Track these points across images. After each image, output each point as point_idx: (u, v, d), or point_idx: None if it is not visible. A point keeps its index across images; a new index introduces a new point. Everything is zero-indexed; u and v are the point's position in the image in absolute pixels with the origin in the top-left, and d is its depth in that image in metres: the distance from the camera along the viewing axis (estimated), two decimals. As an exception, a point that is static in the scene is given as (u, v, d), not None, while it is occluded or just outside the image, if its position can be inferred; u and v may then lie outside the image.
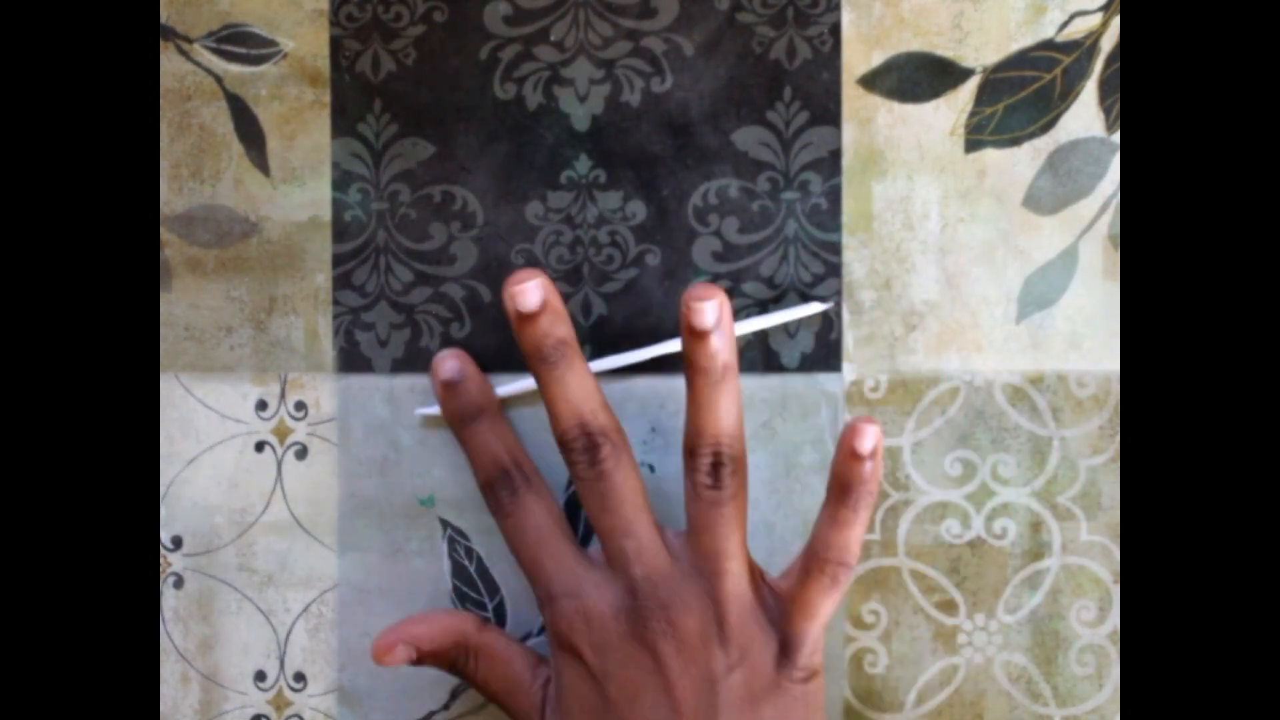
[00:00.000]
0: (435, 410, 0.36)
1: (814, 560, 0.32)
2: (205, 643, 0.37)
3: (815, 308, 0.36)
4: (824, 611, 0.32)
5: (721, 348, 0.32)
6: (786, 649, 0.32)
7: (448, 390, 0.35)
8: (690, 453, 0.32)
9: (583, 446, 0.32)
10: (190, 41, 0.36)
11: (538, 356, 0.32)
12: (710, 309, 0.31)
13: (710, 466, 0.32)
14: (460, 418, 0.35)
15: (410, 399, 0.36)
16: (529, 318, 0.32)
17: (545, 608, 0.33)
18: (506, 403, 0.36)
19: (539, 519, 0.33)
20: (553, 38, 0.36)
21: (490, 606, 0.37)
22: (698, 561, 0.32)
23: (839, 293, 0.36)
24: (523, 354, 0.33)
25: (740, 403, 0.32)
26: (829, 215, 0.36)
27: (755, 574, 0.33)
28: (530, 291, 0.32)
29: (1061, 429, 0.36)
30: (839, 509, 0.32)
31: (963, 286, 0.36)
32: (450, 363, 0.35)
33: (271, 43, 0.36)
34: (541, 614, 0.34)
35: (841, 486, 0.32)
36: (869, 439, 0.31)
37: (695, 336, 0.31)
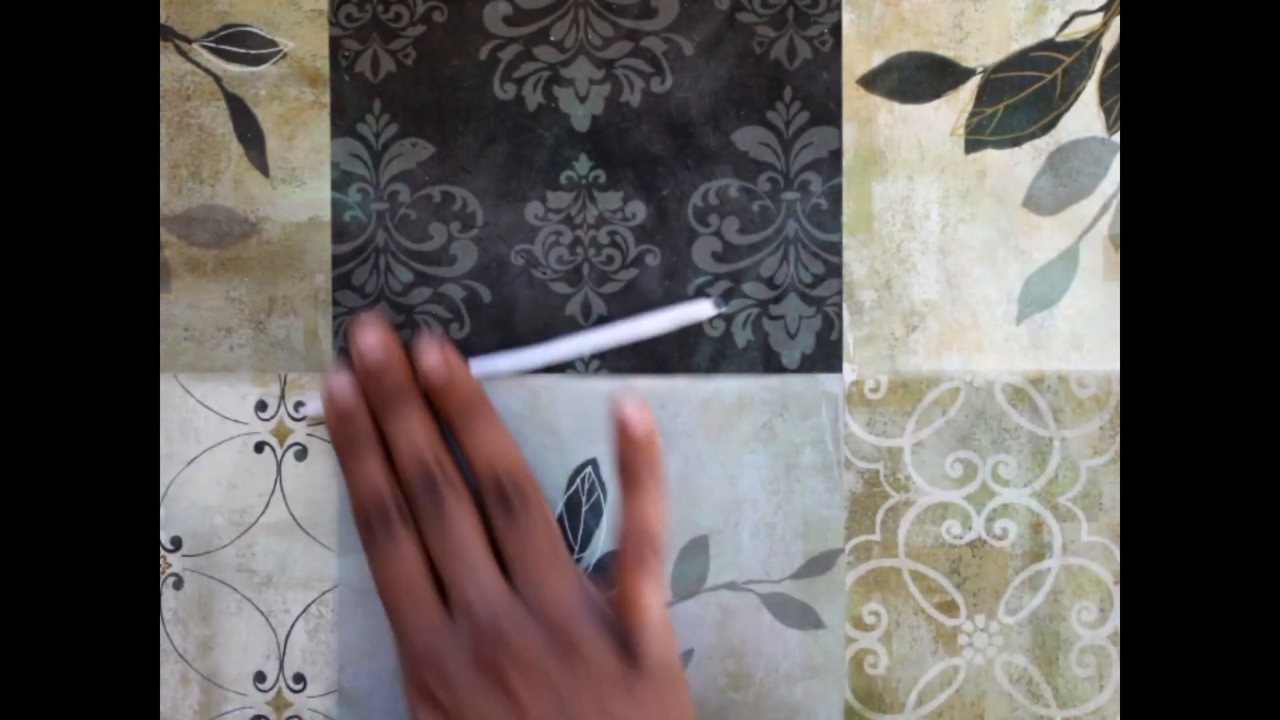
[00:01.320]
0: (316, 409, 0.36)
1: (622, 548, 0.32)
2: (205, 644, 0.37)
3: (704, 309, 0.36)
4: (647, 597, 0.32)
5: (460, 380, 0.34)
6: (627, 644, 0.32)
7: (344, 417, 0.34)
8: (479, 490, 0.34)
9: (424, 488, 0.33)
10: (190, 41, 0.36)
11: (380, 403, 0.34)
12: (434, 354, 0.34)
13: (496, 495, 0.34)
14: (348, 441, 0.34)
15: (410, 399, 0.36)
16: (372, 371, 0.34)
17: (401, 648, 0.34)
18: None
19: (409, 564, 0.34)
20: (553, 38, 0.36)
21: (490, 607, 0.36)
22: (518, 586, 0.33)
23: (839, 293, 0.36)
24: (369, 401, 0.34)
25: (504, 428, 0.34)
26: (829, 215, 0.36)
27: (580, 582, 0.34)
28: (370, 339, 0.34)
29: (1062, 429, 0.36)
30: (629, 493, 0.32)
31: (963, 287, 0.36)
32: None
33: (271, 43, 0.36)
34: (398, 656, 0.34)
35: (626, 470, 0.32)
36: (639, 425, 0.32)
37: (425, 379, 0.34)
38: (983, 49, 0.36)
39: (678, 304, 0.36)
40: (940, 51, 0.36)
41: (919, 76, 0.36)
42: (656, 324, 0.36)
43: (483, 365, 0.35)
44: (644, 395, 0.36)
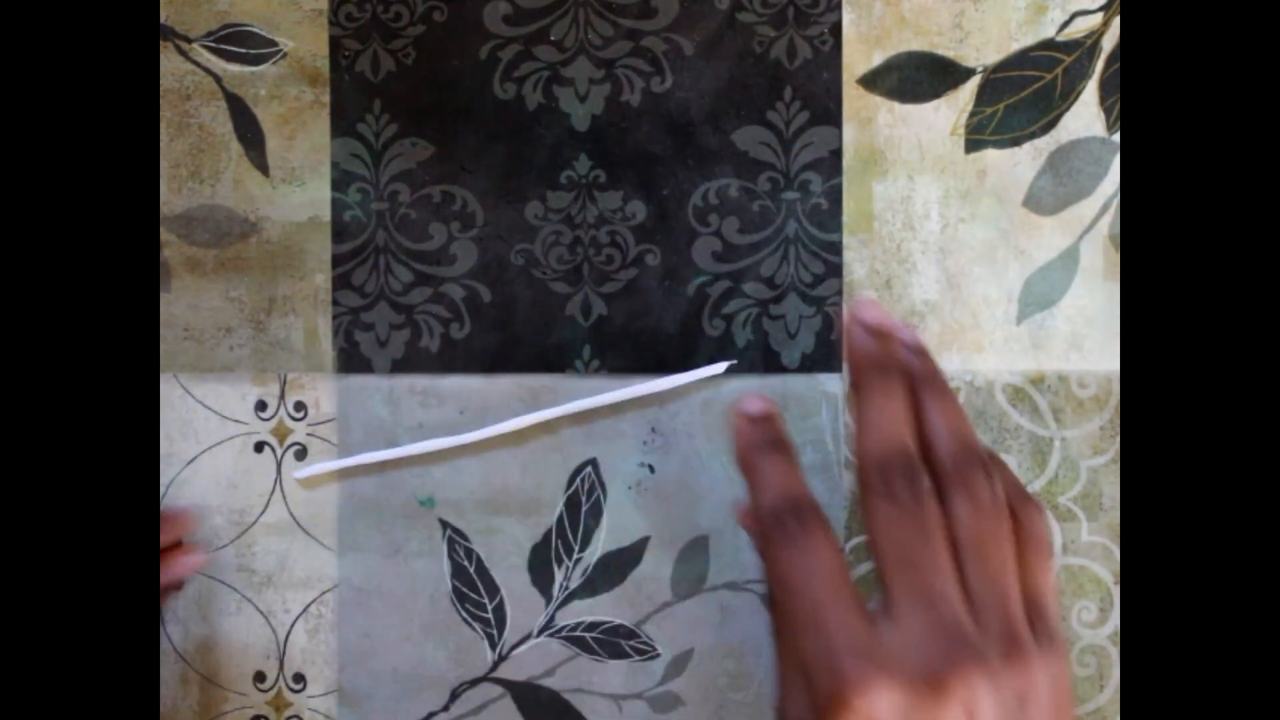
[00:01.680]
0: (313, 471, 0.36)
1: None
2: (205, 644, 0.37)
3: (718, 368, 0.36)
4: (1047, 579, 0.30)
5: (922, 352, 0.32)
6: (1035, 627, 0.30)
7: (756, 421, 0.33)
8: (940, 468, 0.30)
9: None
10: (190, 41, 0.36)
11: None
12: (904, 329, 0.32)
13: (960, 475, 0.30)
14: (763, 444, 0.32)
15: (410, 399, 0.36)
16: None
17: (812, 647, 0.29)
18: (486, 443, 0.36)
19: (830, 558, 0.29)
20: (553, 37, 0.36)
21: (490, 607, 0.36)
22: (969, 576, 0.29)
23: (839, 293, 0.36)
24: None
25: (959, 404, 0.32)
26: (829, 215, 0.36)
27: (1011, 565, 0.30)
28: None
29: (1062, 429, 0.36)
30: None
31: (963, 287, 0.36)
32: (759, 402, 0.33)
33: (271, 43, 0.36)
34: (811, 674, 0.28)
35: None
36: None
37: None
38: (983, 49, 0.36)
39: (694, 368, 0.36)
40: (940, 51, 0.36)
41: (919, 76, 0.36)
42: (672, 382, 0.36)
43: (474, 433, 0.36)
44: (644, 395, 0.36)
